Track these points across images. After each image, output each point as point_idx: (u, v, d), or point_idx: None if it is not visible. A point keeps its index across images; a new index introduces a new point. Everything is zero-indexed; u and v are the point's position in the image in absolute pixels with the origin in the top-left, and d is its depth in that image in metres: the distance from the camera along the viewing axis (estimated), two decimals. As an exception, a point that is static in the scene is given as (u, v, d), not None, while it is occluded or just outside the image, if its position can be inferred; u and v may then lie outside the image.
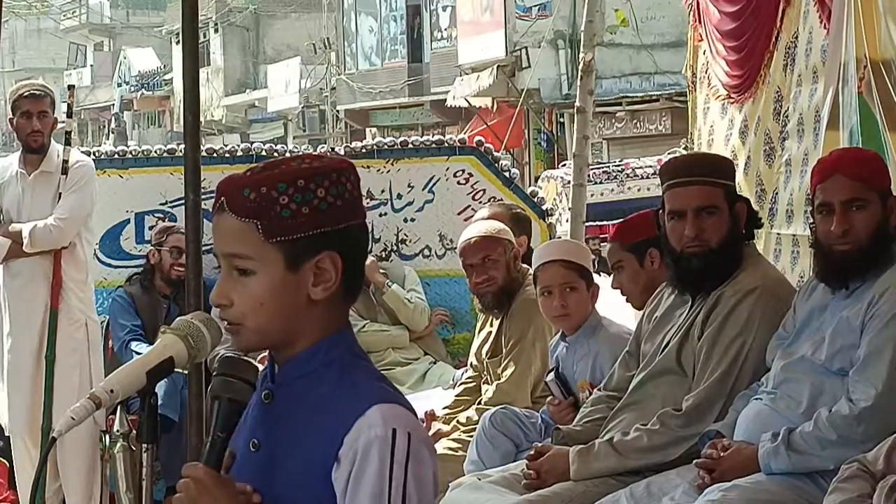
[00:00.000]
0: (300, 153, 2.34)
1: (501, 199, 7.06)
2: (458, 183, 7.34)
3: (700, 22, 6.75)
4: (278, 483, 2.21)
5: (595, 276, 5.15)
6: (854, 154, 4.27)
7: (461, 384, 5.92)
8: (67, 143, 6.28)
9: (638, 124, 24.10)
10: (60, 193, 6.19)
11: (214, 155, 7.44)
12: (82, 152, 7.48)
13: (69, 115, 6.40)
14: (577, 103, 9.19)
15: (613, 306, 5.25)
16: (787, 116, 5.92)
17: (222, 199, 2.21)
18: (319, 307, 2.21)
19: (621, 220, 5.38)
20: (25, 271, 6.21)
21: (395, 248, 7.33)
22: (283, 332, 2.21)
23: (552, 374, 4.96)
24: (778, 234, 5.93)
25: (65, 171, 6.20)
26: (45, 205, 6.20)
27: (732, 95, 6.37)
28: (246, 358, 2.23)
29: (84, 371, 6.20)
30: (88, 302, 6.37)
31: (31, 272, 6.20)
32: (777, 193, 6.00)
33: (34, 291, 6.20)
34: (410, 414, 2.19)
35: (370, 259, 7.00)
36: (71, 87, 6.71)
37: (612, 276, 4.95)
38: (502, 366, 5.53)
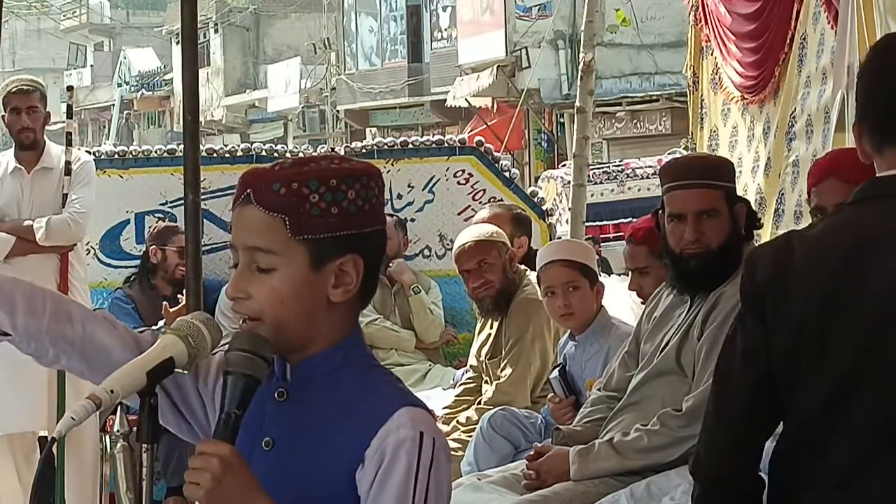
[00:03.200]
0: (327, 153, 2.31)
1: (501, 200, 7.06)
2: (458, 183, 7.34)
3: (706, 23, 6.74)
4: (297, 481, 2.18)
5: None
6: (849, 155, 4.26)
7: (461, 384, 5.93)
8: (69, 143, 6.22)
9: (638, 124, 24.11)
10: (65, 194, 6.13)
11: (214, 155, 7.44)
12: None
13: (69, 115, 6.34)
14: (577, 103, 9.21)
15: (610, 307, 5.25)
16: (794, 118, 5.94)
17: (248, 191, 2.18)
18: (337, 309, 2.20)
19: (629, 220, 5.39)
20: (31, 270, 6.11)
21: (395, 248, 7.32)
22: (298, 332, 2.19)
23: (556, 371, 4.97)
24: (784, 234, 5.94)
25: (68, 171, 6.14)
26: (47, 202, 6.15)
27: (746, 96, 6.37)
28: (263, 335, 2.18)
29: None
30: (88, 302, 6.31)
31: (38, 271, 6.09)
32: (783, 194, 6.01)
33: None
34: (432, 418, 2.20)
35: (400, 261, 7.01)
36: (70, 88, 6.67)
37: (630, 276, 4.97)
38: (501, 366, 5.53)
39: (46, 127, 6.27)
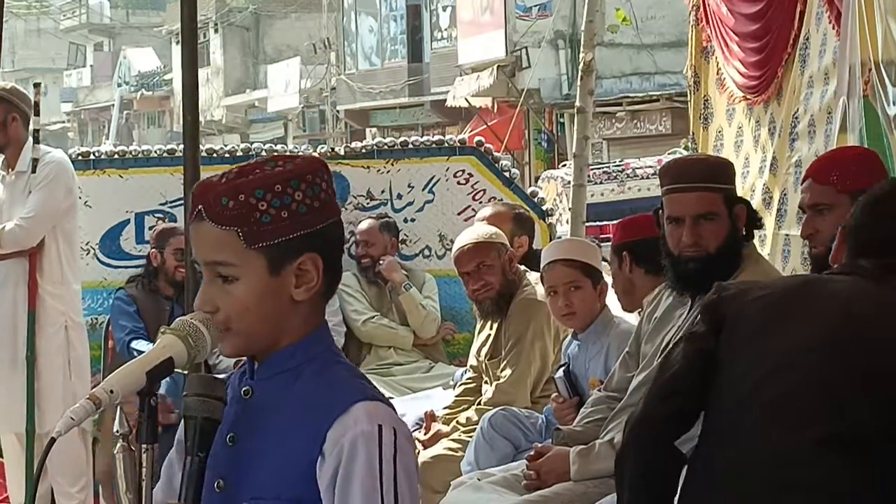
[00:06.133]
0: (272, 154, 2.39)
1: (502, 199, 7.04)
2: (458, 183, 7.33)
3: (708, 22, 6.73)
4: (256, 477, 2.24)
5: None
6: (834, 156, 4.31)
7: (461, 385, 5.92)
8: (36, 140, 6.17)
9: (638, 124, 24.10)
10: (30, 191, 6.10)
11: (214, 155, 7.42)
12: (81, 151, 7.47)
13: (36, 112, 6.31)
14: (577, 103, 9.19)
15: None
16: (796, 118, 5.94)
17: (200, 207, 2.23)
18: (301, 306, 2.26)
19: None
20: (2, 272, 6.14)
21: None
22: (268, 335, 2.26)
23: (560, 371, 4.97)
24: (787, 234, 5.94)
25: (34, 169, 6.10)
26: (19, 204, 6.12)
27: (749, 97, 6.37)
28: (216, 375, 2.27)
29: (66, 373, 6.13)
30: (70, 303, 6.24)
31: (8, 273, 6.12)
32: (786, 194, 6.02)
33: (12, 292, 6.11)
34: (392, 411, 2.24)
35: (390, 258, 7.00)
36: (37, 85, 6.61)
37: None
38: (501, 366, 5.53)
39: (28, 128, 6.16)
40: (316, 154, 7.55)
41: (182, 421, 2.27)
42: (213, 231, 2.22)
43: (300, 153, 2.29)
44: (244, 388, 2.29)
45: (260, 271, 2.22)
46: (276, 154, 2.43)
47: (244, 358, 2.34)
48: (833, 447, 2.60)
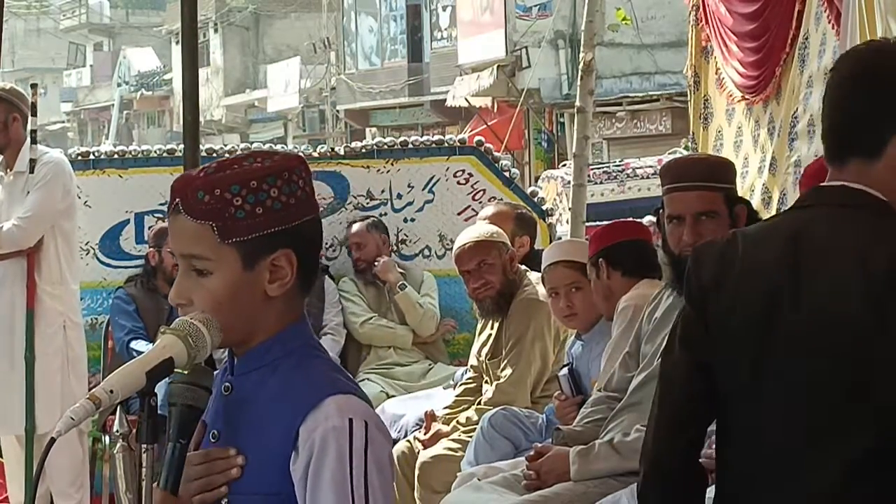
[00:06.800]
0: (251, 151, 2.38)
1: (502, 199, 7.05)
2: (458, 183, 7.33)
3: (707, 22, 6.73)
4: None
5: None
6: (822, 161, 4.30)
7: (461, 384, 5.93)
8: (34, 141, 6.18)
9: (638, 124, 24.10)
10: (28, 192, 6.12)
11: (214, 155, 7.41)
12: (80, 151, 7.48)
13: (33, 113, 6.31)
14: (577, 103, 9.19)
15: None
16: (796, 118, 5.94)
17: (177, 200, 2.26)
18: (276, 302, 2.28)
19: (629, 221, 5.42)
20: (1, 272, 6.15)
21: (395, 248, 7.32)
22: (241, 329, 2.28)
23: (565, 369, 4.98)
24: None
25: (32, 169, 6.11)
26: (17, 204, 6.13)
27: (747, 96, 6.37)
28: (204, 365, 2.27)
29: (65, 373, 6.14)
30: (68, 303, 6.26)
31: (6, 273, 6.14)
32: (785, 194, 6.02)
33: (10, 292, 6.13)
34: (365, 404, 2.25)
35: (385, 259, 7.00)
36: (34, 86, 6.62)
37: None
38: (502, 366, 5.53)
39: (27, 128, 6.17)
40: (315, 154, 7.56)
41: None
42: (188, 224, 2.24)
43: (280, 150, 2.32)
44: (224, 385, 2.32)
45: (234, 266, 2.24)
46: (256, 150, 2.42)
47: None
48: (883, 461, 2.34)
